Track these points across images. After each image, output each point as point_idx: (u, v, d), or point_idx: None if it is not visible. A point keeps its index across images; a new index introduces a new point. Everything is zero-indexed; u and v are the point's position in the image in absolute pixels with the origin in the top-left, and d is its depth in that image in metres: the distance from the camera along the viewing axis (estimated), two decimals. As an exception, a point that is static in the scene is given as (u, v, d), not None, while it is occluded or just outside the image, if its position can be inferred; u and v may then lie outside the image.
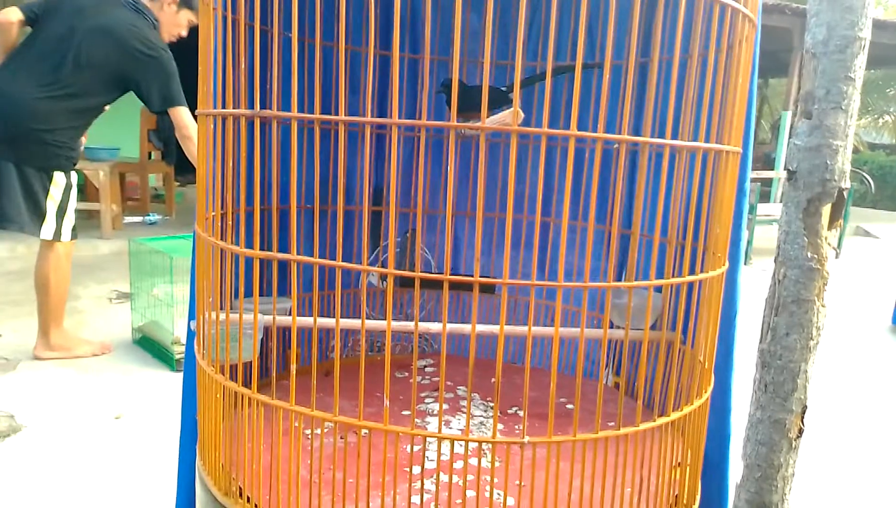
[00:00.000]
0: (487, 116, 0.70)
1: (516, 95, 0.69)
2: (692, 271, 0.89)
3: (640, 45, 1.25)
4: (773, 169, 9.28)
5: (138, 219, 6.28)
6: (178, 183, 7.57)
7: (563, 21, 1.40)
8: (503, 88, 1.23)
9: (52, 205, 2.78)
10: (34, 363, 2.94)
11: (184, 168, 8.23)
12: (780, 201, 6.37)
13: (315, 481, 0.90)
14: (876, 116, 17.32)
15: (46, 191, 2.75)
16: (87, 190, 6.06)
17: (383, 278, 1.64)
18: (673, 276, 0.89)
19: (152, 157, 6.66)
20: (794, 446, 1.30)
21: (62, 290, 2.94)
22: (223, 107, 0.88)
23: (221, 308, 0.92)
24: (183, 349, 2.66)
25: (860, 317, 4.49)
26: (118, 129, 7.08)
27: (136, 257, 3.29)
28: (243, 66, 0.89)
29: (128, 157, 6.49)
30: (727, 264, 0.99)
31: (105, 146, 5.72)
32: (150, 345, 3.17)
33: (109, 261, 5.03)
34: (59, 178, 2.77)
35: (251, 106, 0.83)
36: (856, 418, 2.84)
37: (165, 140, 6.46)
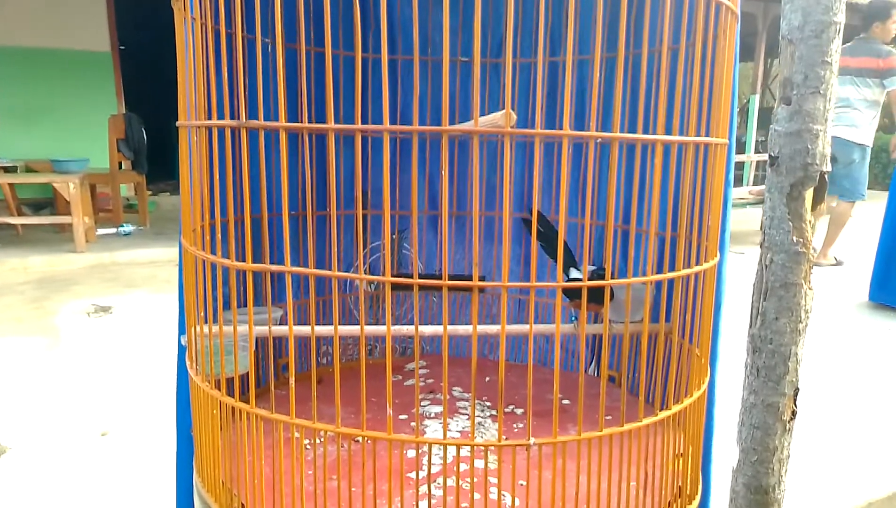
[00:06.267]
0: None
1: (508, 98, 0.68)
2: (687, 264, 0.89)
3: (629, 40, 1.25)
4: (743, 153, 9.35)
5: (112, 230, 6.18)
6: (150, 192, 7.47)
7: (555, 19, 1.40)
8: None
9: None
10: (15, 383, 2.88)
11: (156, 176, 8.14)
12: (752, 185, 6.40)
13: (319, 492, 0.89)
14: (839, 96, 17.55)
15: None
16: (57, 203, 5.94)
17: (368, 282, 1.62)
18: (666, 269, 0.89)
19: (122, 166, 6.56)
20: (787, 428, 1.31)
21: None
22: (207, 117, 0.86)
23: (214, 321, 0.90)
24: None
25: (839, 296, 4.56)
26: (86, 140, 6.97)
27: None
28: (224, 75, 0.87)
29: (97, 167, 6.38)
30: (718, 254, 0.99)
31: (74, 158, 5.62)
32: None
33: (85, 275, 4.94)
34: None
35: (234, 116, 0.81)
36: (843, 395, 2.89)
37: (135, 149, 6.36)
